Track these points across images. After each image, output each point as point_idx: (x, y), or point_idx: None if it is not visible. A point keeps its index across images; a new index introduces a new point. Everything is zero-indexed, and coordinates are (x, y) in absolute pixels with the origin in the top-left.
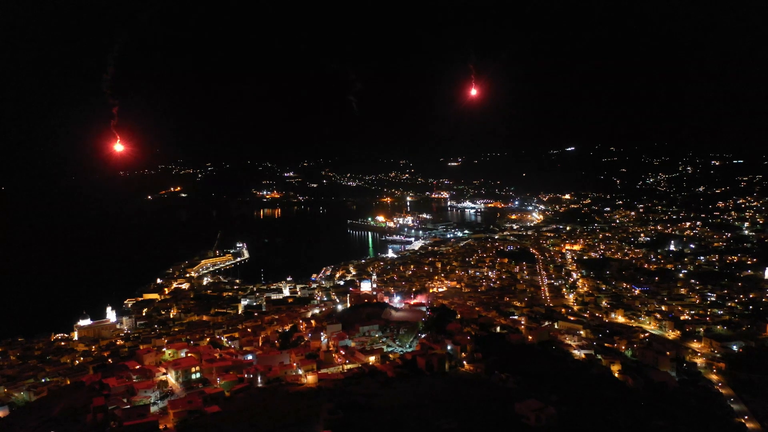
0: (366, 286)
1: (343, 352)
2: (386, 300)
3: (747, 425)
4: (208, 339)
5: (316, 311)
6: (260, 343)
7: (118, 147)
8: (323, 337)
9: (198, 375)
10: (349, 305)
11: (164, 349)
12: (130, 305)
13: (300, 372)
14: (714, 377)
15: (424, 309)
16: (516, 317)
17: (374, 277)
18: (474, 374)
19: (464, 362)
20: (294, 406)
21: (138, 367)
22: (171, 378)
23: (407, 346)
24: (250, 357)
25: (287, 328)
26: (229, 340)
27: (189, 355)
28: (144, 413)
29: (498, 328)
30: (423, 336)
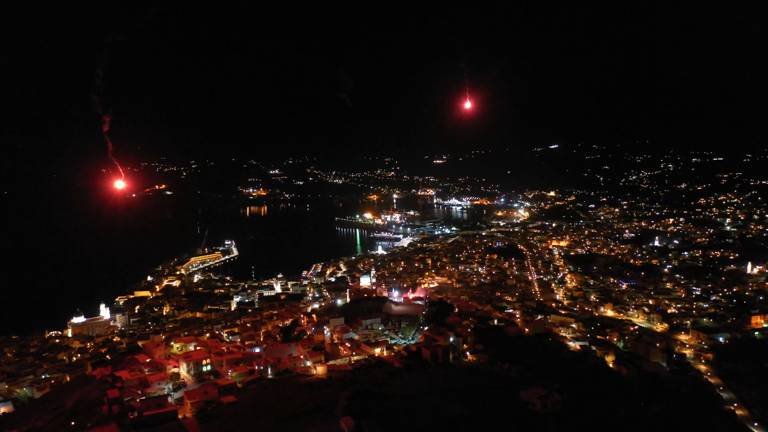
0: (365, 281)
1: (348, 345)
2: (385, 294)
3: (736, 412)
4: (208, 335)
5: (316, 306)
6: (261, 338)
7: (119, 184)
8: (326, 331)
9: (209, 367)
10: (348, 300)
11: (172, 343)
12: (121, 303)
13: (308, 364)
14: (702, 367)
15: (422, 303)
16: (510, 311)
17: (373, 271)
18: (477, 364)
19: (467, 353)
20: (310, 396)
21: (148, 360)
22: (182, 370)
23: (410, 338)
24: (257, 350)
25: (288, 322)
26: (229, 335)
27: (197, 348)
28: (162, 403)
29: (495, 321)
30: (426, 328)
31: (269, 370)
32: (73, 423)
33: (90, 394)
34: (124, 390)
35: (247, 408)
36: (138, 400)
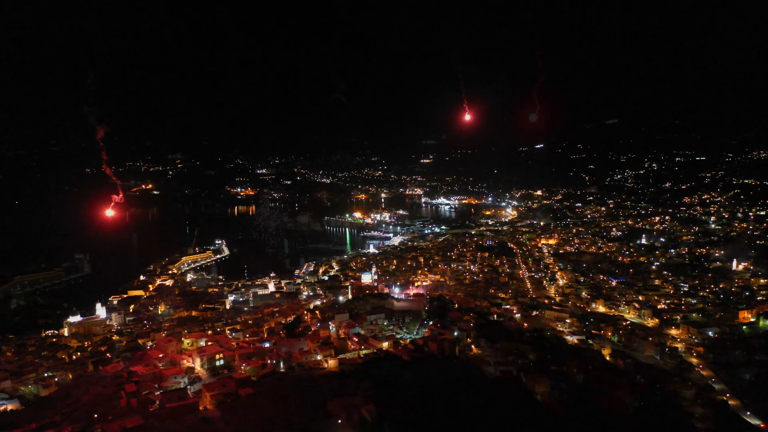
0: (366, 278)
1: (356, 339)
2: (386, 291)
3: (729, 402)
4: (210, 332)
5: (318, 303)
6: (265, 335)
7: (109, 212)
8: (332, 326)
9: (222, 362)
10: (350, 296)
11: (183, 339)
12: (115, 302)
13: (319, 357)
14: (694, 360)
15: (421, 299)
16: (507, 307)
17: (374, 268)
18: (483, 357)
19: (472, 347)
20: (327, 386)
21: (161, 355)
22: (197, 365)
23: (414, 333)
24: (267, 344)
25: (290, 319)
26: (231, 331)
27: (209, 343)
28: (183, 396)
29: (495, 317)
30: (430, 323)
31: (281, 363)
32: (95, 416)
33: (106, 389)
34: (140, 384)
35: (266, 399)
36: (157, 393)
